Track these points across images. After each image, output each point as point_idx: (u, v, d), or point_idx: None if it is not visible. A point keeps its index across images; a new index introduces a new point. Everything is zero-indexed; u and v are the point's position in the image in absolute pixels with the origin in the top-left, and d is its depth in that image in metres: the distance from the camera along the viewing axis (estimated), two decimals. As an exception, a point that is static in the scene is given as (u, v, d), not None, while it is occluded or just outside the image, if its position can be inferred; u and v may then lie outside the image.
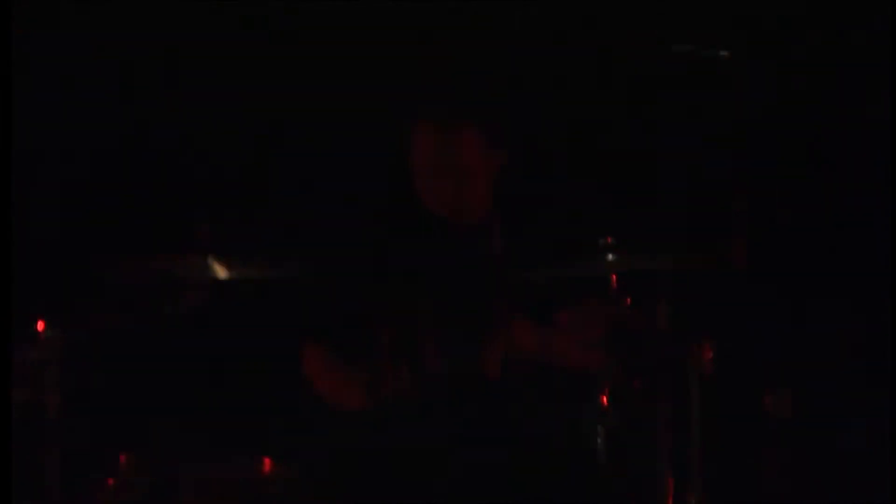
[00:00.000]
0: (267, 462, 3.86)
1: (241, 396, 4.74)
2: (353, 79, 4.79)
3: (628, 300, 3.89)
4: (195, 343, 4.55)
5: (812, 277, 4.55)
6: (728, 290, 4.25)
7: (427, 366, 3.82)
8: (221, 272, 3.86)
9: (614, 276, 3.90)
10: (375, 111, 4.69)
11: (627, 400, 3.81)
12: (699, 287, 4.19)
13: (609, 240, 3.87)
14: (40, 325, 3.80)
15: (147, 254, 4.02)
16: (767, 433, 4.49)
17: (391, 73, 4.72)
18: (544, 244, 3.98)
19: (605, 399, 3.83)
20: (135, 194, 4.81)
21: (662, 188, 4.68)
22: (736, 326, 4.13)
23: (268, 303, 4.17)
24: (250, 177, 4.87)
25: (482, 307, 3.90)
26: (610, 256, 3.86)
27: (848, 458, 4.48)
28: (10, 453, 3.57)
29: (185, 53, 4.77)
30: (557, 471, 3.69)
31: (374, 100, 4.71)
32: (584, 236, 3.92)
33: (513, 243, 3.97)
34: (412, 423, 3.73)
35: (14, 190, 3.90)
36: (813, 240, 4.41)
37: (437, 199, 3.94)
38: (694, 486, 3.91)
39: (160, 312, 4.00)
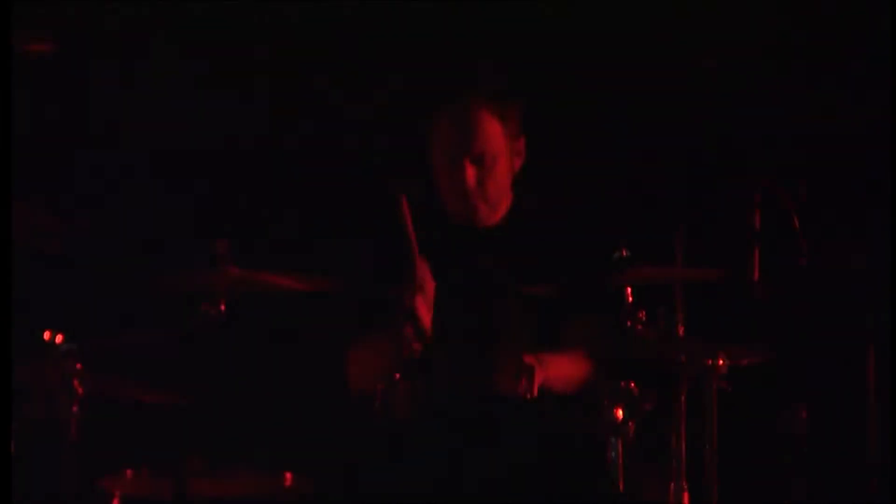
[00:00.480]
0: (285, 476, 3.85)
1: (259, 410, 4.75)
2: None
3: (643, 313, 3.88)
4: (214, 356, 4.51)
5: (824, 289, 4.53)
6: (743, 304, 4.21)
7: (440, 378, 3.81)
8: (241, 286, 3.84)
9: (629, 289, 3.88)
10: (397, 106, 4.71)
11: (642, 413, 3.79)
12: (715, 300, 4.23)
13: (625, 252, 3.86)
14: (58, 338, 3.82)
15: (168, 268, 4.03)
16: (782, 448, 4.47)
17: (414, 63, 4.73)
18: (558, 256, 3.96)
19: (619, 412, 3.80)
20: (157, 208, 4.83)
21: (675, 199, 4.69)
22: (751, 340, 4.09)
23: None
24: (270, 187, 4.89)
25: (497, 320, 3.90)
26: (625, 269, 3.86)
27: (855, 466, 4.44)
28: (9, 453, 3.55)
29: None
30: (574, 483, 3.68)
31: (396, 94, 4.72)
32: (600, 248, 3.92)
33: (526, 254, 3.95)
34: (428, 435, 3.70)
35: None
36: (827, 253, 4.40)
37: (457, 194, 3.93)
38: (709, 499, 3.92)
39: (180, 327, 3.99)
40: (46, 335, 3.84)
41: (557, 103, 4.74)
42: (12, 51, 3.75)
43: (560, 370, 3.78)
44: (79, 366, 3.82)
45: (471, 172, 3.92)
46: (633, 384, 3.78)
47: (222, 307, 3.88)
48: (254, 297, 3.99)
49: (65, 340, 3.85)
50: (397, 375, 3.73)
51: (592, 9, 4.73)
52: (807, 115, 4.64)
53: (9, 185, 3.61)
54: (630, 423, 3.78)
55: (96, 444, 3.92)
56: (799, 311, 4.56)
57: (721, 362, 3.91)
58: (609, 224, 4.15)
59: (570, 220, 4.03)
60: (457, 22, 4.75)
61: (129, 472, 3.90)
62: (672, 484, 3.98)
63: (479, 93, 3.96)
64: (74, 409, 3.84)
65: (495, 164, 3.95)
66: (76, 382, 3.84)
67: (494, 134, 3.94)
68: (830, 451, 4.53)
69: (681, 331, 4.08)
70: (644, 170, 4.85)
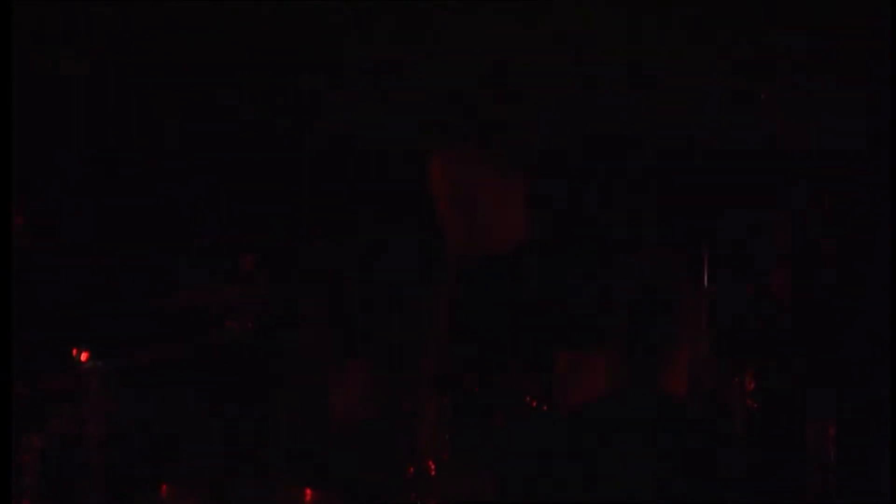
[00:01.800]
0: (308, 493, 3.85)
1: (282, 426, 4.74)
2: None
3: None
4: (236, 372, 4.52)
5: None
6: (771, 320, 4.19)
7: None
8: (265, 301, 3.83)
9: None
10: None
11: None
12: (742, 316, 4.18)
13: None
14: (84, 356, 3.82)
15: (191, 283, 4.00)
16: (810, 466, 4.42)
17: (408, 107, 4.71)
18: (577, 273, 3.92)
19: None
20: (179, 224, 4.83)
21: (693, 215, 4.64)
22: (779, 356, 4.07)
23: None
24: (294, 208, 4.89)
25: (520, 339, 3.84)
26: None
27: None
28: (10, 453, 3.56)
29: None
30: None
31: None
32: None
33: (543, 274, 3.89)
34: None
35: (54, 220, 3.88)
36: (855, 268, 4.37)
37: (457, 234, 3.88)
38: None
39: (203, 343, 4.00)
40: (73, 352, 3.83)
41: (559, 128, 4.70)
42: (12, 51, 3.73)
43: None
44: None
45: (470, 211, 3.85)
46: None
47: (250, 325, 3.86)
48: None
49: (91, 357, 3.84)
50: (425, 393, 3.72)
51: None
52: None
53: (9, 185, 3.58)
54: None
55: (126, 459, 3.95)
56: (827, 327, 4.50)
57: (748, 381, 3.92)
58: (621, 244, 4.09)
59: (574, 243, 3.96)
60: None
61: (164, 486, 3.88)
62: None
63: (472, 135, 3.89)
64: (103, 425, 3.84)
65: (493, 205, 3.87)
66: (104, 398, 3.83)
67: (490, 178, 3.85)
68: (858, 469, 4.47)
69: (706, 349, 4.03)
70: (656, 186, 4.81)
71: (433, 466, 3.64)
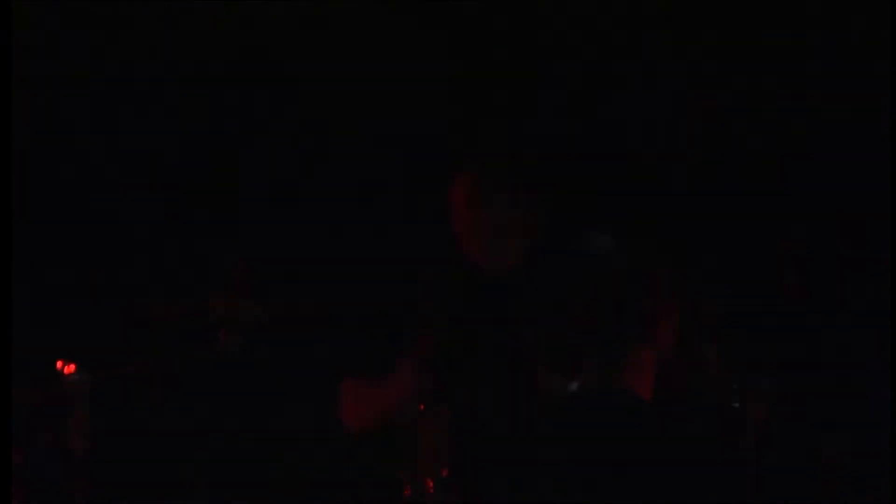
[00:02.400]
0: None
1: (275, 439, 4.64)
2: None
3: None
4: (228, 386, 4.44)
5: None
6: (784, 329, 4.15)
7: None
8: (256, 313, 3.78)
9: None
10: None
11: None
12: (753, 326, 4.14)
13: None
14: (69, 368, 3.77)
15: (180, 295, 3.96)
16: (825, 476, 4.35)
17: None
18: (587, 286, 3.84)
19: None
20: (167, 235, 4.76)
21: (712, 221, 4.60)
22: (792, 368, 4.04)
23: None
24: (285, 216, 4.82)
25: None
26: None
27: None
28: (10, 453, 3.47)
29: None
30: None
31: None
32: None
33: (554, 285, 3.77)
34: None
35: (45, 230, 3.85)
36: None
37: (474, 253, 3.81)
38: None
39: (194, 355, 3.92)
40: (58, 364, 3.78)
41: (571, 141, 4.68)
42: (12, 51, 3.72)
43: None
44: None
45: (486, 240, 3.79)
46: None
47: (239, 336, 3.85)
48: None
49: (77, 370, 3.77)
50: (421, 406, 3.63)
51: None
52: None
53: (9, 185, 3.57)
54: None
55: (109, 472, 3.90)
56: (841, 334, 4.42)
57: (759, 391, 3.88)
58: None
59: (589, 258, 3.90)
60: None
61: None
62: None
63: (488, 162, 3.84)
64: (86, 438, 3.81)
65: (511, 230, 3.80)
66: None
67: (509, 202, 3.80)
68: (874, 478, 4.38)
69: (714, 358, 3.84)
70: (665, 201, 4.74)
71: (431, 485, 3.61)
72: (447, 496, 3.58)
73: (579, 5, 4.55)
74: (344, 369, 3.80)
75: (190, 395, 4.42)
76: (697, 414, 3.61)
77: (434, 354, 3.62)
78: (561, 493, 3.18)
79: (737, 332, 3.99)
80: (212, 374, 4.27)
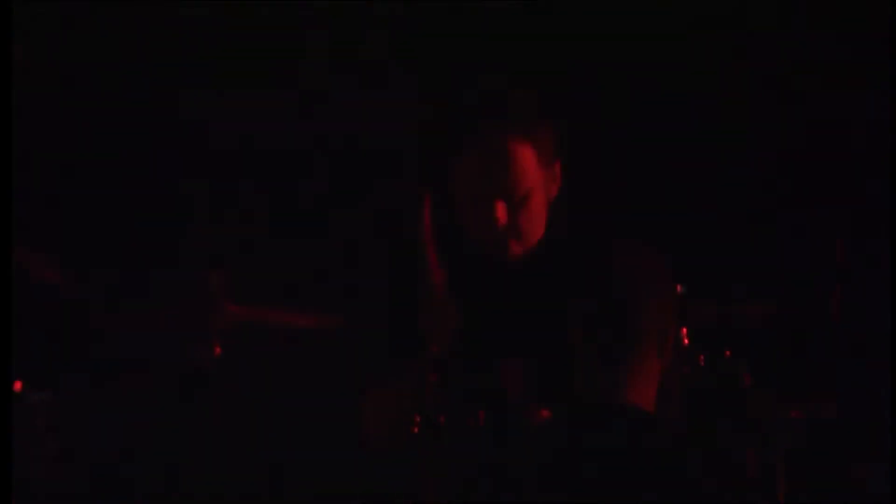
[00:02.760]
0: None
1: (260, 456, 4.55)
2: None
3: (701, 358, 3.76)
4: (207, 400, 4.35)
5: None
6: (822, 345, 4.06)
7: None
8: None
9: (685, 329, 3.74)
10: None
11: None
12: (789, 341, 4.05)
13: (679, 288, 3.63)
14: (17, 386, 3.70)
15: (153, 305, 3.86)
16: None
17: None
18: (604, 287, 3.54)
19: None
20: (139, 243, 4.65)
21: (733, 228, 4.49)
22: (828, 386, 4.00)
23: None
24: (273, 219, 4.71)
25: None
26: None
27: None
28: (10, 454, 3.37)
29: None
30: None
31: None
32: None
33: (558, 288, 3.58)
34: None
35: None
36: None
37: (485, 232, 3.63)
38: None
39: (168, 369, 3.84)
40: (17, 386, 3.71)
41: (596, 121, 4.60)
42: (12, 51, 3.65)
43: None
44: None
45: (501, 210, 3.63)
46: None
47: (217, 349, 3.71)
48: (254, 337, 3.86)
49: (37, 391, 3.72)
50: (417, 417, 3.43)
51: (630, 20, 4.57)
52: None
53: (9, 185, 3.49)
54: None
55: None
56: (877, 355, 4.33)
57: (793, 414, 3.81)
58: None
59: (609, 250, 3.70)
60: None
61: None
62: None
63: (509, 120, 3.63)
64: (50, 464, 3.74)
65: (530, 199, 3.65)
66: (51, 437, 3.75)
67: (528, 165, 3.63)
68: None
69: (747, 379, 3.86)
70: (696, 194, 4.62)
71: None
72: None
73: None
74: (361, 377, 3.66)
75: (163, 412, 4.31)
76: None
77: (442, 356, 3.39)
78: None
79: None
80: (188, 388, 4.17)
